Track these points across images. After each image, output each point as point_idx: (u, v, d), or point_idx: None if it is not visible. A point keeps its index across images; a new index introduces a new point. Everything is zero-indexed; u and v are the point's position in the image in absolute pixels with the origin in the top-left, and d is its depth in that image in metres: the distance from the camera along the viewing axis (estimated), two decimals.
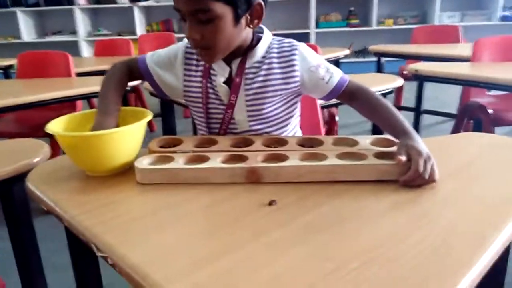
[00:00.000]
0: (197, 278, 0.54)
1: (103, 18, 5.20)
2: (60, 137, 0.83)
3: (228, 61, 0.95)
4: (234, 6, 0.83)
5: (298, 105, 1.05)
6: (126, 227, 0.67)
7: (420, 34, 3.25)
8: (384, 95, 1.86)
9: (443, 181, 0.79)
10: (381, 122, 0.93)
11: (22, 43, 4.92)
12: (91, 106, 3.23)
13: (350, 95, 0.97)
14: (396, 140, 0.88)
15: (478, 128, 2.05)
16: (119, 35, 4.99)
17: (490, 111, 1.97)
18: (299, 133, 1.10)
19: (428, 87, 2.26)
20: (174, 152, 0.88)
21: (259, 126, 0.99)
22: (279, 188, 0.78)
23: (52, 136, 0.84)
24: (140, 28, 4.91)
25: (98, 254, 0.62)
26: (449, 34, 3.12)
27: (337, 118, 1.93)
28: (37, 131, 2.07)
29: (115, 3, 4.85)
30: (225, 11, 0.83)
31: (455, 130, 2.35)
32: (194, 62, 0.99)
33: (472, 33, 4.24)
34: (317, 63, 0.96)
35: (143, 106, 3.40)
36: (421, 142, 0.82)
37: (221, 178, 0.80)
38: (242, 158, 0.84)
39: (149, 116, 0.89)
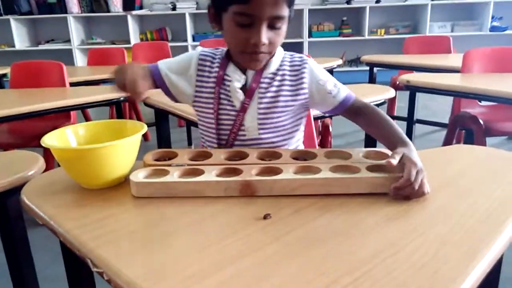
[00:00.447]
0: None
1: (97, 27, 5.21)
2: (55, 150, 0.83)
3: (243, 69, 0.99)
4: (290, 12, 0.91)
5: (304, 120, 1.08)
6: (122, 241, 0.67)
7: (411, 44, 3.29)
8: (377, 106, 1.88)
9: (435, 193, 0.80)
10: (382, 138, 0.95)
11: (15, 51, 4.90)
12: (85, 117, 3.22)
13: (356, 111, 1.01)
14: (390, 153, 0.89)
15: (469, 138, 2.07)
16: (113, 43, 5.00)
17: (481, 121, 1.99)
18: (301, 147, 1.12)
19: (420, 96, 2.29)
20: (169, 165, 0.89)
21: (268, 135, 1.01)
22: (273, 201, 0.78)
23: (46, 147, 0.85)
24: (134, 36, 4.92)
25: (94, 269, 0.62)
26: (440, 45, 3.16)
27: (330, 129, 1.94)
28: (31, 141, 2.08)
29: (109, 11, 4.86)
30: (288, 16, 0.90)
31: (447, 140, 2.38)
32: (207, 69, 1.02)
33: (462, 43, 4.31)
34: (325, 78, 1.01)
35: (137, 115, 3.41)
36: (416, 155, 0.84)
37: (216, 191, 0.81)
38: (237, 171, 0.85)
39: (144, 130, 0.89)
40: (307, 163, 0.88)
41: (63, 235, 0.71)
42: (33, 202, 0.81)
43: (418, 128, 2.63)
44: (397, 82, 2.26)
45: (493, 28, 4.75)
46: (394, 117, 3.05)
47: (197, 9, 4.83)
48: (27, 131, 2.18)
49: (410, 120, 2.31)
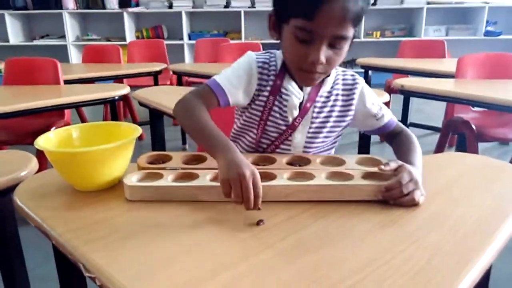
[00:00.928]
0: None
1: (92, 23, 5.18)
2: (49, 153, 0.83)
3: (299, 84, 0.96)
4: (355, 32, 0.86)
5: (341, 136, 1.07)
6: (115, 246, 0.67)
7: (406, 47, 3.31)
8: None
9: (427, 201, 0.81)
10: (401, 159, 0.90)
11: (9, 46, 4.86)
12: (80, 115, 3.20)
13: (393, 136, 1.02)
14: (383, 160, 0.90)
15: (462, 143, 2.09)
16: (108, 40, 4.97)
17: (474, 126, 2.01)
18: None
19: (415, 99, 2.31)
20: (163, 168, 0.88)
21: (310, 153, 1.01)
22: (267, 206, 0.78)
23: None
24: (129, 33, 4.90)
25: (86, 274, 0.62)
26: (435, 49, 3.19)
27: None
28: (24, 139, 2.07)
29: (105, 8, 4.83)
30: (351, 36, 0.85)
31: (440, 144, 2.40)
32: (265, 76, 0.96)
33: (457, 47, 4.34)
34: (372, 100, 1.00)
35: (132, 114, 3.39)
36: (419, 173, 0.83)
37: (210, 196, 0.81)
38: None
39: (138, 133, 0.89)
40: (301, 169, 0.89)
41: (55, 238, 0.70)
42: (25, 203, 0.81)
43: (411, 131, 2.64)
44: (392, 86, 2.27)
45: (487, 33, 4.78)
46: None
47: (193, 7, 4.82)
48: (20, 128, 2.17)
49: (403, 124, 2.32)
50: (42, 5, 4.82)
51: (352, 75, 1.01)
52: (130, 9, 4.82)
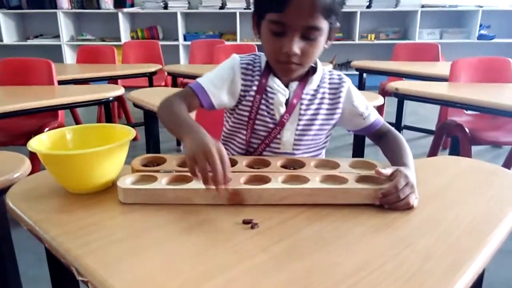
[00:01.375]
0: None
1: (87, 23, 5.15)
2: (42, 155, 0.82)
3: (285, 82, 0.98)
4: (330, 25, 0.88)
5: (331, 136, 1.08)
6: (108, 249, 0.66)
7: (401, 50, 3.33)
8: None
9: (421, 204, 0.81)
10: (392, 161, 0.94)
11: (2, 46, 4.82)
12: (74, 115, 3.18)
13: (380, 136, 1.03)
14: (378, 163, 0.91)
15: (455, 145, 2.10)
16: (103, 40, 4.95)
17: (467, 129, 2.03)
18: None
19: (409, 101, 2.32)
20: (157, 171, 0.88)
21: (299, 151, 1.02)
22: (261, 210, 0.79)
23: None
24: (124, 34, 4.88)
25: (79, 278, 0.62)
26: (429, 52, 3.21)
27: None
28: (17, 140, 2.05)
29: (100, 8, 4.81)
30: (326, 30, 0.88)
31: (433, 147, 2.42)
32: (249, 77, 0.99)
33: (450, 50, 4.37)
34: (359, 99, 1.02)
35: (127, 115, 3.38)
36: (413, 175, 0.83)
37: (204, 199, 0.81)
38: None
39: (132, 135, 0.89)
40: (295, 172, 0.89)
41: (48, 241, 0.70)
42: (18, 206, 0.80)
43: (406, 134, 2.66)
44: (386, 89, 2.28)
45: (481, 36, 4.82)
46: None
47: (188, 8, 4.81)
48: (13, 129, 2.15)
49: (398, 126, 2.34)
50: (36, 4, 4.79)
51: (339, 75, 1.03)
52: (125, 10, 4.80)
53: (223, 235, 0.71)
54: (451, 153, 2.34)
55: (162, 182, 0.83)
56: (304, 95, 0.98)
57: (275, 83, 0.97)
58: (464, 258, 0.65)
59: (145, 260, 0.64)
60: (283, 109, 0.98)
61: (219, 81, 0.97)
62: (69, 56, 4.93)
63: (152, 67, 3.06)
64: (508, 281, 1.62)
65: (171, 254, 0.66)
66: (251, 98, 0.98)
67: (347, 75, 1.03)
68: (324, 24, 0.86)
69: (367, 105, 1.03)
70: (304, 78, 0.98)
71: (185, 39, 4.89)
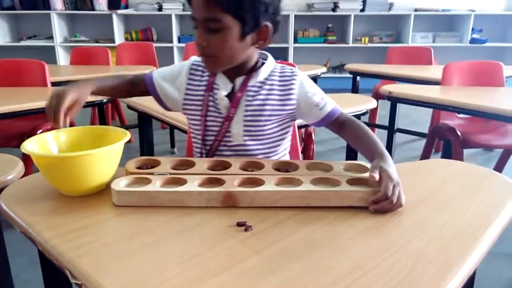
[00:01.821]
0: None
1: (81, 24, 5.13)
2: (35, 157, 0.82)
3: (231, 78, 1.01)
4: (242, 22, 0.91)
5: (291, 130, 1.10)
6: (102, 252, 0.66)
7: (394, 54, 3.35)
8: (359, 115, 1.91)
9: (412, 207, 0.82)
10: (363, 150, 0.98)
11: None
12: None
13: (340, 125, 1.04)
14: (369, 165, 0.91)
15: (447, 149, 2.12)
16: (97, 41, 4.93)
17: (459, 133, 2.04)
18: (287, 157, 1.14)
19: (402, 105, 2.33)
20: (152, 173, 0.88)
21: (252, 142, 1.03)
22: (255, 212, 0.79)
23: None
24: (118, 35, 4.87)
25: (73, 281, 0.62)
26: (422, 55, 3.23)
27: (313, 137, 1.97)
28: (10, 141, 2.04)
29: (94, 9, 4.80)
30: (233, 25, 0.90)
31: (426, 150, 2.44)
32: (198, 76, 1.05)
33: (443, 53, 4.40)
34: (313, 91, 1.03)
35: (121, 117, 3.37)
36: (393, 167, 0.86)
37: (198, 201, 0.81)
38: (219, 182, 0.85)
39: (126, 137, 0.89)
40: (288, 174, 0.90)
41: (41, 244, 0.70)
42: (11, 208, 0.80)
43: (398, 137, 2.68)
44: (379, 92, 2.30)
45: (473, 40, 4.87)
46: (375, 126, 3.10)
47: (183, 10, 4.81)
48: (6, 130, 2.13)
49: (391, 129, 2.35)
50: (29, 5, 4.77)
51: (291, 69, 1.05)
52: (119, 11, 4.79)
53: (217, 238, 0.71)
54: (443, 156, 2.36)
55: (156, 185, 0.83)
56: (250, 87, 1.01)
57: (220, 80, 1.02)
58: (455, 260, 0.66)
59: (139, 263, 0.64)
60: (226, 103, 1.01)
61: (167, 73, 1.08)
62: (62, 57, 4.91)
63: (146, 69, 3.05)
64: (499, 283, 1.63)
65: (165, 257, 0.66)
66: (201, 97, 1.03)
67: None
68: (225, 18, 0.89)
69: (323, 96, 1.04)
70: (251, 73, 1.01)
71: (179, 41, 4.88)
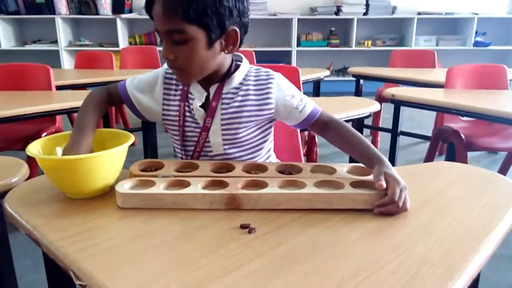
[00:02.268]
0: None
1: (85, 29, 5.16)
2: (40, 160, 0.83)
3: (206, 86, 0.98)
4: (207, 30, 0.87)
5: (272, 130, 1.08)
6: (106, 254, 0.67)
7: (398, 57, 3.35)
8: (363, 119, 1.91)
9: (416, 210, 0.82)
10: (353, 153, 0.97)
11: (0, 51, 4.82)
12: (71, 121, 3.19)
13: (323, 126, 1.01)
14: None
15: (451, 151, 2.12)
16: (101, 45, 4.96)
17: (463, 136, 2.04)
18: (273, 157, 1.13)
19: (405, 108, 2.33)
20: (155, 176, 0.89)
21: (233, 150, 1.01)
22: (258, 215, 0.79)
23: None
24: (122, 39, 4.90)
25: (77, 282, 0.62)
26: (425, 59, 3.23)
27: (316, 139, 1.97)
28: (15, 144, 2.05)
29: (98, 14, 4.83)
30: (198, 34, 0.87)
31: (429, 153, 2.43)
32: (173, 86, 1.02)
33: (446, 57, 4.40)
34: (291, 93, 1.00)
35: (124, 120, 3.39)
36: (395, 171, 0.86)
37: (202, 204, 0.81)
38: (223, 184, 0.85)
39: (131, 140, 0.89)
40: (292, 177, 0.90)
41: (46, 246, 0.70)
42: (16, 211, 0.81)
43: (402, 140, 2.67)
44: (383, 95, 2.29)
45: (476, 43, 4.86)
46: (379, 128, 3.09)
47: None
48: (11, 134, 2.15)
49: (394, 132, 2.35)
50: (34, 10, 4.80)
51: (267, 71, 1.02)
52: (123, 15, 4.82)
53: (220, 240, 0.71)
54: (447, 159, 2.35)
55: (160, 187, 0.83)
56: (224, 94, 0.98)
57: (194, 89, 0.99)
58: (459, 263, 0.66)
59: (143, 265, 0.64)
60: (202, 113, 0.98)
61: (142, 83, 1.04)
62: (67, 61, 4.94)
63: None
64: (503, 286, 1.62)
65: (169, 259, 0.66)
66: (177, 107, 1.01)
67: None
68: (189, 28, 0.85)
69: (302, 97, 1.01)
70: (225, 79, 0.98)
71: None
